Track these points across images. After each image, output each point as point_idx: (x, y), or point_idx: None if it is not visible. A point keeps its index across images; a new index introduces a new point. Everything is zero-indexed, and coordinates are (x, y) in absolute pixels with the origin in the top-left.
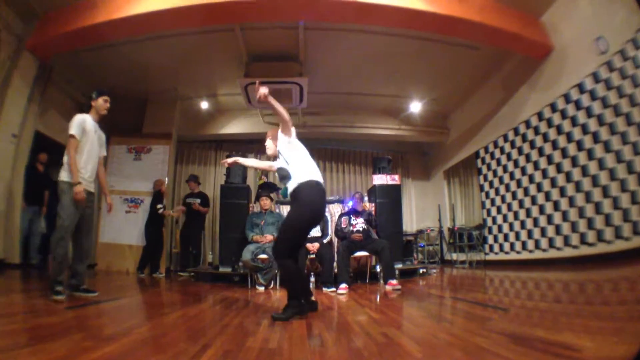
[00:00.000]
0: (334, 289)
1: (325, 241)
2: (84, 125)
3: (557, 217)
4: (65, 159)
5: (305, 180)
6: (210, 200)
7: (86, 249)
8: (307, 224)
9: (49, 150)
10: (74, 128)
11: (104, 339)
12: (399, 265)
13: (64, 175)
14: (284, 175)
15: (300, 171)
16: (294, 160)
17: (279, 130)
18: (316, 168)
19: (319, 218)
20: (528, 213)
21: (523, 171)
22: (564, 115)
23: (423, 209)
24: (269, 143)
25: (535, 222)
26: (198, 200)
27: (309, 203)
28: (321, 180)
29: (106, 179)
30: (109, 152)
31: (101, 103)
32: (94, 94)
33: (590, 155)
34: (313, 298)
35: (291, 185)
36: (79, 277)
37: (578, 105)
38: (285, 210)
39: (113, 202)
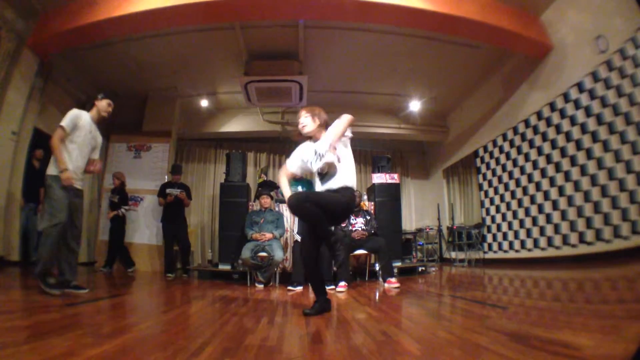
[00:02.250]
0: (333, 287)
1: None
2: (77, 120)
3: (556, 216)
4: (54, 156)
5: (353, 185)
6: (209, 198)
7: (74, 246)
8: (332, 215)
9: (46, 147)
10: (65, 120)
11: (104, 336)
12: (398, 264)
13: (51, 170)
14: (332, 174)
15: (351, 174)
16: (347, 160)
17: (342, 124)
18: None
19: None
20: (527, 212)
21: (522, 170)
22: (563, 114)
23: (422, 207)
24: (307, 121)
25: (534, 221)
26: (184, 191)
27: (346, 204)
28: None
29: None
30: (109, 149)
31: (104, 105)
32: (100, 94)
33: (589, 154)
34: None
35: (338, 183)
36: (69, 274)
37: (577, 104)
38: (284, 208)
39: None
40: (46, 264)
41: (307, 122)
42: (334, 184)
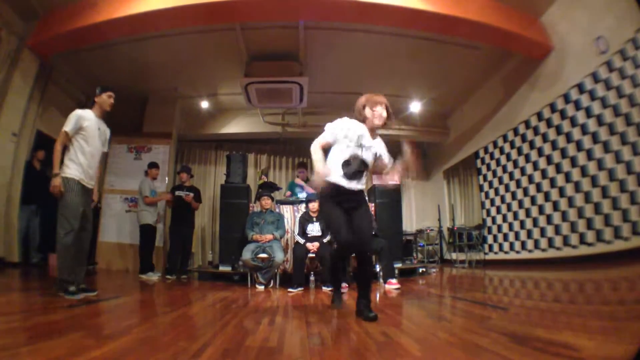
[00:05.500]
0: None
1: (325, 241)
2: (81, 121)
3: (557, 217)
4: (67, 159)
5: None
6: (210, 200)
7: (86, 248)
8: None
9: (48, 149)
10: (69, 124)
11: (104, 338)
12: (398, 265)
13: (68, 172)
14: (362, 174)
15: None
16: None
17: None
18: None
19: None
20: (527, 213)
21: (522, 171)
22: (563, 115)
23: (423, 208)
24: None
25: (535, 222)
26: (191, 194)
27: None
28: None
29: (98, 175)
30: (109, 151)
31: (105, 99)
32: (98, 89)
33: (589, 155)
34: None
35: (362, 185)
36: (78, 276)
37: (577, 105)
38: (285, 210)
39: (109, 201)
40: (65, 275)
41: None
42: (361, 186)
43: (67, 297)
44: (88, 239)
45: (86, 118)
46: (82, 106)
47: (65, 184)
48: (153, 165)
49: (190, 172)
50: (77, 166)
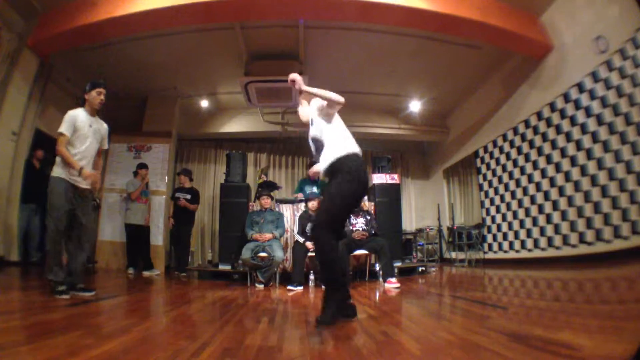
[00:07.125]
0: None
1: None
2: (74, 122)
3: (556, 217)
4: (58, 157)
5: (344, 154)
6: (210, 199)
7: (84, 247)
8: (353, 197)
9: (47, 148)
10: (63, 126)
11: (104, 337)
12: (398, 264)
13: (55, 171)
14: (318, 147)
15: (337, 144)
16: (331, 131)
17: (319, 102)
18: (353, 140)
19: (365, 190)
20: (527, 212)
21: (522, 170)
22: (563, 114)
23: (422, 208)
24: (302, 110)
25: (534, 221)
26: (188, 196)
27: (354, 173)
28: (360, 152)
29: (100, 174)
30: (109, 150)
31: (94, 96)
32: (87, 86)
33: (589, 154)
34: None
35: (327, 159)
36: (76, 276)
37: (577, 104)
38: (285, 208)
39: (109, 200)
40: (51, 275)
41: (302, 112)
42: (325, 160)
43: (56, 296)
44: (84, 238)
45: (78, 118)
46: (82, 106)
47: (51, 184)
48: (141, 166)
49: (189, 174)
50: (65, 165)
